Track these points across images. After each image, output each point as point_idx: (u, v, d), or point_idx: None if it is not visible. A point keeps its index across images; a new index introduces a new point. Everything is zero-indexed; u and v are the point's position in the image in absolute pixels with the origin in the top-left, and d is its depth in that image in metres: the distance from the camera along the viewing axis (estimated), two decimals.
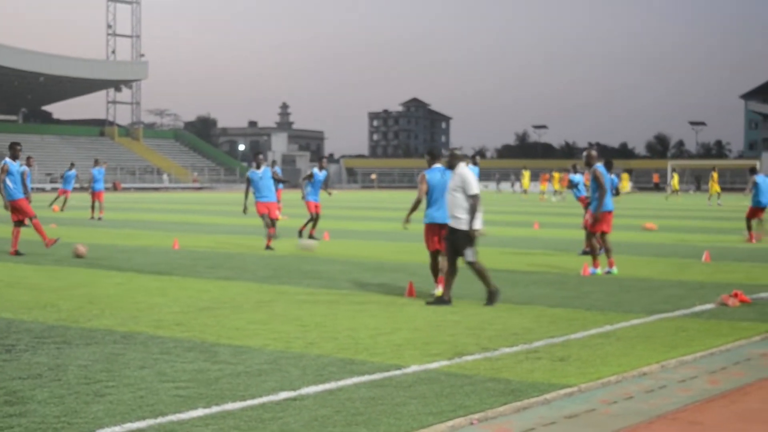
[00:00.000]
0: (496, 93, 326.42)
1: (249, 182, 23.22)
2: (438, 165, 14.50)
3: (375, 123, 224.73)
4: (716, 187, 61.93)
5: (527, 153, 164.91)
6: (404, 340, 10.47)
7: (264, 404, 7.48)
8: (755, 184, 27.04)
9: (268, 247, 22.47)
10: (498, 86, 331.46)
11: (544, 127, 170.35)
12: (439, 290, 14.07)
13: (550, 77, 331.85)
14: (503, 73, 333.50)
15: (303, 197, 25.94)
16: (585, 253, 20.72)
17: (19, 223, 20.95)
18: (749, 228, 26.80)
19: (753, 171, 27.90)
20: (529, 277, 16.85)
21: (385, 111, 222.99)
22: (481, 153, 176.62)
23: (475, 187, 13.44)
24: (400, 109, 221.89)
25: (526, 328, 11.34)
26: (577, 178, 26.18)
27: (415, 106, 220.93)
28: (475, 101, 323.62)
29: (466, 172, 13.56)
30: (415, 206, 14.46)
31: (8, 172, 20.78)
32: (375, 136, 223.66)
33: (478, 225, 13.45)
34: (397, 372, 8.75)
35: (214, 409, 7.31)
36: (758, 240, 26.38)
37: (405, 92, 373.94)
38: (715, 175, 62.35)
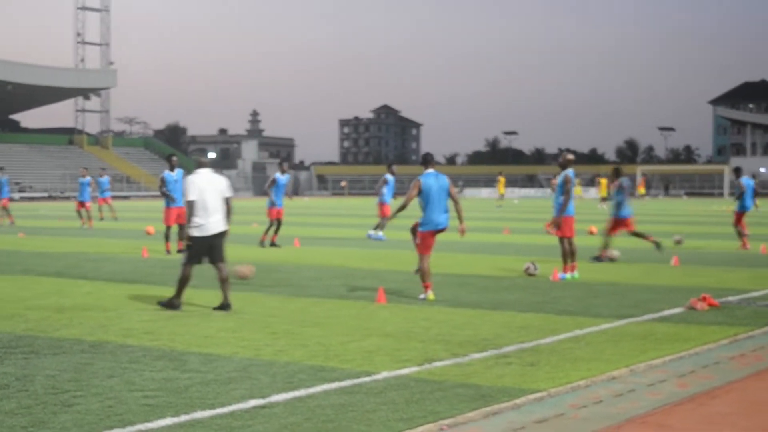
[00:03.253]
0: (466, 99, 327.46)
1: (163, 182, 23.56)
2: (431, 170, 14.64)
3: (345, 130, 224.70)
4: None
5: (498, 159, 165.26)
6: (375, 346, 10.46)
7: (233, 412, 7.45)
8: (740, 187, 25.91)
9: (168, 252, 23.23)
10: (468, 92, 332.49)
11: (514, 133, 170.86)
12: (431, 294, 14.24)
13: (520, 83, 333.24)
14: (474, 79, 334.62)
15: (268, 204, 26.18)
16: (596, 259, 20.89)
17: None
18: (741, 234, 25.48)
19: (739, 172, 26.59)
20: (500, 283, 16.88)
21: (356, 118, 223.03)
22: (451, 159, 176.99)
23: (190, 193, 13.43)
24: (370, 116, 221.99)
25: (496, 333, 11.35)
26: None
27: (386, 112, 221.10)
28: (445, 108, 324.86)
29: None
30: (400, 209, 14.60)
31: None
32: (345, 143, 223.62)
33: (192, 231, 13.50)
34: (368, 378, 8.73)
35: (183, 417, 7.27)
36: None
37: (375, 99, 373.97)
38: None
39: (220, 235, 13.72)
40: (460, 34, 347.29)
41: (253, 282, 16.88)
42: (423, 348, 10.34)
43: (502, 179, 70.90)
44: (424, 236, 14.65)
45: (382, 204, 29.62)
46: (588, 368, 9.23)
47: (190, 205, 13.46)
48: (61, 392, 8.16)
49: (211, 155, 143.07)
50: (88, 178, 39.51)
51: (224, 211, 13.71)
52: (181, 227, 23.64)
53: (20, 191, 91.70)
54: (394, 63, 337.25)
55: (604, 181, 64.36)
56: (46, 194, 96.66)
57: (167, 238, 23.76)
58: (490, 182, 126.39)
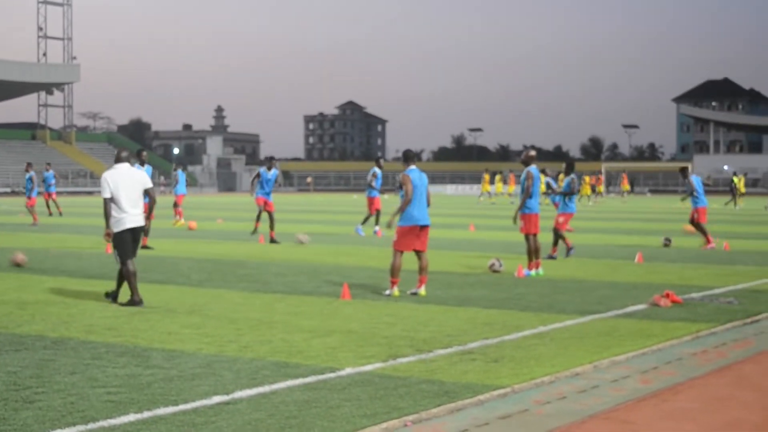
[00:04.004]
0: (432, 96, 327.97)
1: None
2: (413, 167, 14.67)
3: (311, 126, 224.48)
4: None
5: (463, 156, 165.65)
6: (339, 342, 10.45)
7: (197, 409, 7.42)
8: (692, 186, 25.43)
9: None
10: (434, 89, 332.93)
11: (479, 129, 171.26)
12: (396, 291, 14.43)
13: (485, 80, 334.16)
14: (439, 75, 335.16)
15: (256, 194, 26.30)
16: (568, 254, 20.98)
17: None
18: (704, 232, 24.99)
19: (685, 172, 26.34)
20: (465, 279, 16.90)
21: (321, 114, 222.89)
22: (417, 156, 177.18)
23: (104, 191, 13.60)
24: (335, 112, 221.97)
25: (461, 329, 11.37)
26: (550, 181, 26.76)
27: (351, 109, 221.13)
28: (410, 104, 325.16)
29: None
30: (404, 207, 14.51)
31: None
32: (311, 140, 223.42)
33: (113, 228, 13.60)
34: (332, 375, 8.72)
35: (146, 414, 7.23)
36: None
37: (340, 95, 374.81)
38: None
39: (140, 229, 13.83)
40: (425, 30, 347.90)
41: (217, 278, 16.84)
42: (387, 344, 10.34)
43: (486, 176, 71.21)
44: (403, 232, 14.62)
45: (371, 198, 29.52)
46: (552, 364, 9.26)
47: (106, 202, 13.57)
48: (23, 389, 8.09)
49: (176, 151, 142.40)
50: (32, 173, 39.31)
51: (143, 204, 13.87)
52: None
53: None
54: (360, 59, 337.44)
55: (587, 178, 64.98)
56: (8, 189, 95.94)
57: None
58: (455, 179, 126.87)
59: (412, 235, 14.65)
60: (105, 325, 11.60)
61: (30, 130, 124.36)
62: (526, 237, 17.80)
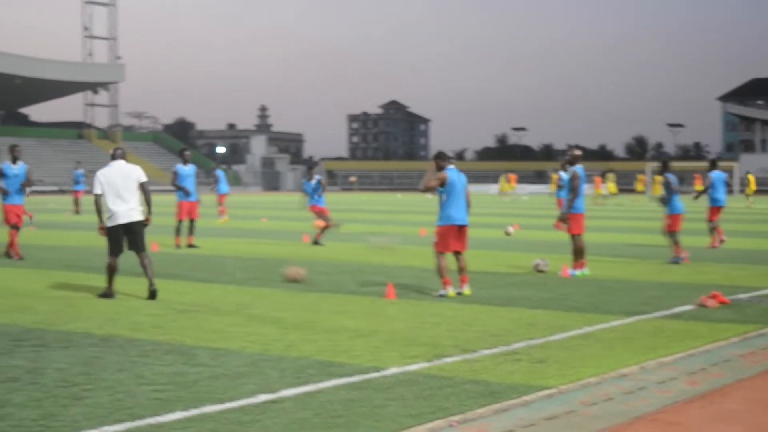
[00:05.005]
0: (475, 95, 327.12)
1: (176, 176, 23.87)
2: (451, 166, 14.69)
3: (354, 125, 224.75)
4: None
5: (507, 155, 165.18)
6: (383, 342, 10.45)
7: (243, 407, 7.45)
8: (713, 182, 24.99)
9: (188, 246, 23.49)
10: (477, 88, 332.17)
11: (523, 129, 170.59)
12: (451, 291, 14.22)
13: (529, 79, 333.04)
14: (483, 74, 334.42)
15: (307, 204, 26.06)
16: (674, 261, 20.39)
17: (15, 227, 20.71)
18: (713, 230, 24.62)
19: (713, 165, 25.47)
20: (509, 279, 16.85)
21: (364, 113, 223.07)
22: (460, 155, 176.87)
23: (95, 187, 14.07)
24: (379, 111, 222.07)
25: (506, 329, 11.34)
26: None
27: (394, 108, 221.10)
28: (454, 103, 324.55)
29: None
30: (428, 189, 14.68)
31: (3, 175, 20.61)
32: (354, 139, 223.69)
33: (106, 222, 14.10)
34: (377, 374, 8.72)
35: (193, 411, 7.27)
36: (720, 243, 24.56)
37: (384, 94, 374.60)
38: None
39: (138, 224, 14.17)
40: (469, 28, 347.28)
41: (261, 277, 16.91)
42: (432, 344, 10.33)
43: (503, 177, 71.39)
44: (441, 232, 14.63)
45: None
46: (598, 365, 9.21)
47: (96, 198, 14.13)
48: (72, 385, 8.17)
49: (220, 150, 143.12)
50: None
51: (138, 199, 14.15)
52: (190, 221, 23.74)
53: (31, 185, 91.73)
54: (403, 58, 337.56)
55: (659, 178, 64.47)
56: (56, 188, 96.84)
57: (178, 232, 23.78)
58: (498, 178, 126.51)
59: (451, 235, 14.64)
60: (151, 323, 11.68)
61: (77, 129, 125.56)
62: (572, 237, 17.71)
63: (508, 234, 28.76)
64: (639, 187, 77.35)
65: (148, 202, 14.37)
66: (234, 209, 44.17)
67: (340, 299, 14.07)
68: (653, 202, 59.33)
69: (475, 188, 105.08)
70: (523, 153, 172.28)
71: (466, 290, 14.56)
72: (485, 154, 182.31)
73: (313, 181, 26.25)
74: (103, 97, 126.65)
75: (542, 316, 12.50)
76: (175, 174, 23.94)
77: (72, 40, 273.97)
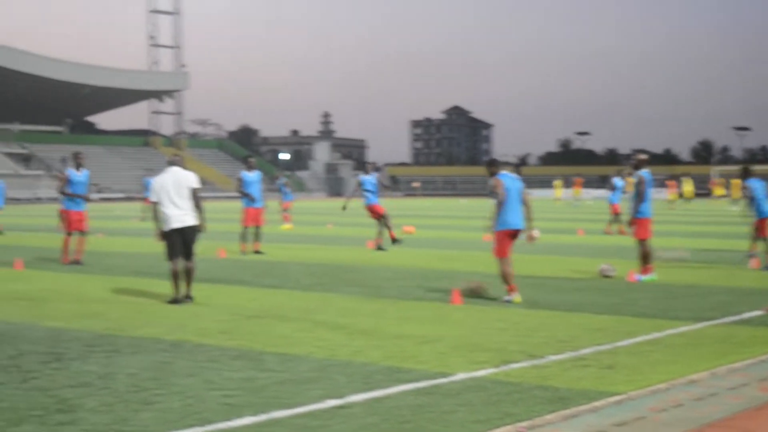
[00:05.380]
0: (538, 99, 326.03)
1: (241, 183, 24.02)
2: (505, 171, 14.65)
3: (417, 131, 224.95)
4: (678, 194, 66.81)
5: (570, 160, 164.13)
6: (450, 347, 10.45)
7: (311, 412, 7.49)
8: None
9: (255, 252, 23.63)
10: (540, 92, 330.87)
11: (587, 133, 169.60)
12: (516, 297, 14.14)
13: (593, 83, 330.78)
14: (546, 79, 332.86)
15: (365, 203, 25.85)
16: (750, 256, 20.21)
17: (73, 233, 21.08)
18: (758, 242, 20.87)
19: (746, 174, 21.16)
20: (575, 284, 16.76)
21: (427, 119, 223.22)
22: (523, 160, 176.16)
23: (151, 194, 14.60)
24: (441, 116, 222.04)
25: (573, 335, 11.28)
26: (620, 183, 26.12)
27: (457, 113, 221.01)
28: (517, 108, 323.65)
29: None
30: (499, 210, 14.41)
31: (69, 182, 20.97)
32: (417, 144, 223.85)
33: (162, 227, 14.51)
34: (444, 380, 8.73)
35: (262, 417, 7.33)
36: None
37: (446, 100, 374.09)
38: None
39: (191, 229, 14.50)
40: (531, 33, 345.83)
41: (327, 282, 16.98)
42: (499, 349, 10.30)
43: (558, 183, 71.05)
44: (499, 237, 14.59)
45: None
46: (667, 371, 9.12)
47: (153, 206, 14.58)
48: (143, 390, 8.28)
49: (284, 156, 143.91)
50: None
51: (192, 205, 14.44)
52: (255, 227, 23.91)
53: (98, 192, 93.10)
54: (466, 63, 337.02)
55: (736, 182, 63.88)
56: (122, 195, 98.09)
57: (243, 238, 23.96)
58: (564, 183, 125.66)
59: (508, 239, 14.58)
60: (219, 328, 11.79)
61: (142, 137, 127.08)
62: (639, 241, 17.56)
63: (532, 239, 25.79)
64: (718, 191, 76.24)
65: (199, 208, 14.57)
66: (298, 215, 44.43)
67: (405, 305, 14.09)
68: (734, 207, 58.68)
69: (539, 193, 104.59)
70: (587, 157, 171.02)
71: (516, 298, 14.30)
72: (548, 159, 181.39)
73: (371, 177, 26.04)
74: (168, 104, 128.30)
75: (609, 321, 12.41)
76: (241, 181, 24.13)
77: (138, 49, 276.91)
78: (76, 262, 20.67)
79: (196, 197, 14.52)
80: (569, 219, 45.59)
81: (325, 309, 13.59)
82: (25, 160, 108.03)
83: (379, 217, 25.45)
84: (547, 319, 12.54)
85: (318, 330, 11.65)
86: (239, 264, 21.00)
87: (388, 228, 25.37)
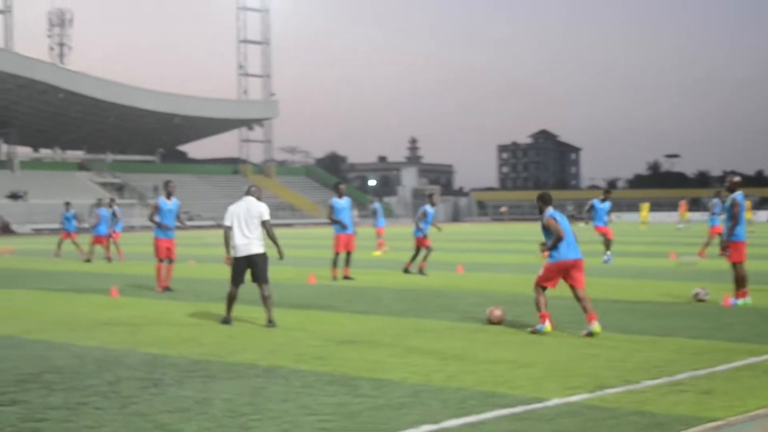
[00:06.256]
0: (626, 122, 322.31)
1: (332, 209, 24.06)
2: (550, 208, 14.39)
3: (504, 155, 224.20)
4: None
5: (659, 183, 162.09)
6: (543, 372, 10.41)
7: None
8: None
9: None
10: (628, 115, 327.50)
11: (676, 156, 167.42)
12: (548, 326, 13.79)
13: (682, 104, 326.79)
14: (633, 101, 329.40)
15: (415, 232, 26.09)
16: None
17: (164, 260, 21.44)
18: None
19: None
20: (668, 309, 16.55)
21: (514, 143, 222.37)
22: (612, 183, 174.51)
23: (226, 220, 15.07)
24: (528, 141, 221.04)
25: (668, 360, 11.14)
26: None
27: (544, 137, 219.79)
28: (604, 131, 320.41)
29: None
30: (556, 242, 14.18)
31: (159, 210, 21.34)
32: (504, 169, 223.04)
33: (232, 253, 15.09)
34: (539, 405, 8.69)
35: None
36: None
37: (533, 124, 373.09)
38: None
39: (259, 257, 15.03)
40: (618, 56, 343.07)
41: (417, 308, 17.00)
42: (593, 375, 10.23)
43: (645, 206, 70.36)
44: (550, 268, 14.28)
45: (598, 227, 29.31)
46: (766, 397, 8.97)
47: (226, 230, 15.05)
48: (239, 416, 8.38)
49: (372, 182, 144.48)
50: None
51: (261, 234, 14.99)
52: (346, 253, 24.01)
53: (189, 220, 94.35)
54: (552, 87, 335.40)
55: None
56: (213, 222, 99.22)
57: (335, 264, 24.08)
58: (651, 207, 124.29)
59: (559, 272, 14.30)
60: (313, 354, 11.88)
61: (232, 165, 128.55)
62: (734, 265, 17.28)
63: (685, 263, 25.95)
64: None
65: (272, 239, 15.11)
66: (388, 241, 44.50)
67: (496, 330, 14.05)
68: None
69: (628, 217, 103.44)
70: (677, 180, 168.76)
71: (596, 327, 13.52)
72: (637, 182, 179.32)
73: (433, 209, 26.23)
74: (257, 132, 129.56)
75: (705, 346, 12.23)
76: (332, 208, 24.28)
77: (228, 78, 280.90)
78: (167, 289, 21.03)
79: (269, 229, 15.03)
80: (660, 243, 44.99)
81: (417, 334, 13.62)
82: (119, 189, 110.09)
83: (427, 248, 25.92)
84: (640, 344, 12.41)
85: (411, 355, 11.68)
86: (330, 289, 21.13)
87: (422, 258, 25.98)
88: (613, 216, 47.21)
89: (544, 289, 14.26)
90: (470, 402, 8.84)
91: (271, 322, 14.70)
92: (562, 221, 14.30)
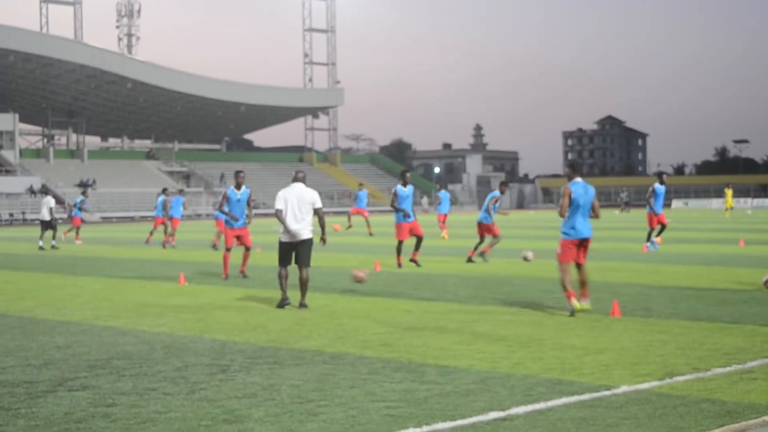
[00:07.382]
0: (693, 108, 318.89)
1: (396, 197, 23.98)
2: (579, 179, 14.51)
3: (569, 142, 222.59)
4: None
5: (728, 169, 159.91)
6: (612, 360, 10.31)
7: (474, 424, 7.49)
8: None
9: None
10: (696, 101, 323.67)
11: (745, 141, 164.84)
12: (576, 303, 14.07)
13: (751, 88, 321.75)
14: (700, 86, 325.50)
15: (484, 218, 25.85)
16: None
17: (230, 249, 21.59)
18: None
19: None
20: (738, 296, 16.32)
21: (580, 129, 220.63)
22: (679, 170, 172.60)
23: (277, 203, 15.58)
24: (594, 127, 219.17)
25: (739, 347, 10.99)
26: None
27: (610, 123, 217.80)
28: (671, 117, 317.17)
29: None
30: (564, 211, 14.59)
31: (228, 200, 21.47)
32: (569, 156, 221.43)
33: (280, 237, 15.68)
34: (607, 392, 8.62)
35: (425, 428, 7.37)
36: None
37: (599, 110, 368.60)
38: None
39: (305, 242, 15.52)
40: (685, 40, 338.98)
41: (483, 295, 16.95)
42: (662, 362, 10.12)
43: (729, 191, 69.06)
44: (564, 244, 14.43)
45: (652, 214, 28.75)
46: None
47: (277, 213, 15.49)
48: (306, 401, 8.41)
49: (437, 170, 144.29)
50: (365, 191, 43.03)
51: (310, 220, 15.52)
52: (417, 238, 23.94)
53: (255, 208, 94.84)
54: (618, 72, 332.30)
55: None
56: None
57: (399, 251, 24.08)
58: (720, 193, 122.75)
59: (573, 247, 14.48)
60: (379, 341, 11.89)
61: (298, 153, 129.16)
62: None
63: (526, 260, 24.98)
64: None
65: (321, 225, 15.63)
66: (453, 228, 44.43)
67: (564, 317, 13.96)
68: None
69: (696, 203, 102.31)
70: (746, 166, 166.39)
71: (586, 305, 14.21)
72: (705, 168, 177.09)
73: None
74: (322, 121, 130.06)
75: None
76: (396, 195, 24.21)
77: (293, 66, 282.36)
78: (242, 275, 21.29)
79: (320, 216, 15.56)
80: (729, 229, 44.40)
81: (484, 321, 13.58)
82: (185, 177, 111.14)
83: (495, 235, 25.71)
84: (710, 332, 12.25)
85: (477, 342, 11.65)
86: (395, 277, 21.14)
87: (487, 244, 25.90)
88: (681, 203, 46.75)
89: (568, 265, 14.40)
90: (538, 389, 8.79)
91: (303, 305, 15.30)
92: (582, 195, 14.35)
